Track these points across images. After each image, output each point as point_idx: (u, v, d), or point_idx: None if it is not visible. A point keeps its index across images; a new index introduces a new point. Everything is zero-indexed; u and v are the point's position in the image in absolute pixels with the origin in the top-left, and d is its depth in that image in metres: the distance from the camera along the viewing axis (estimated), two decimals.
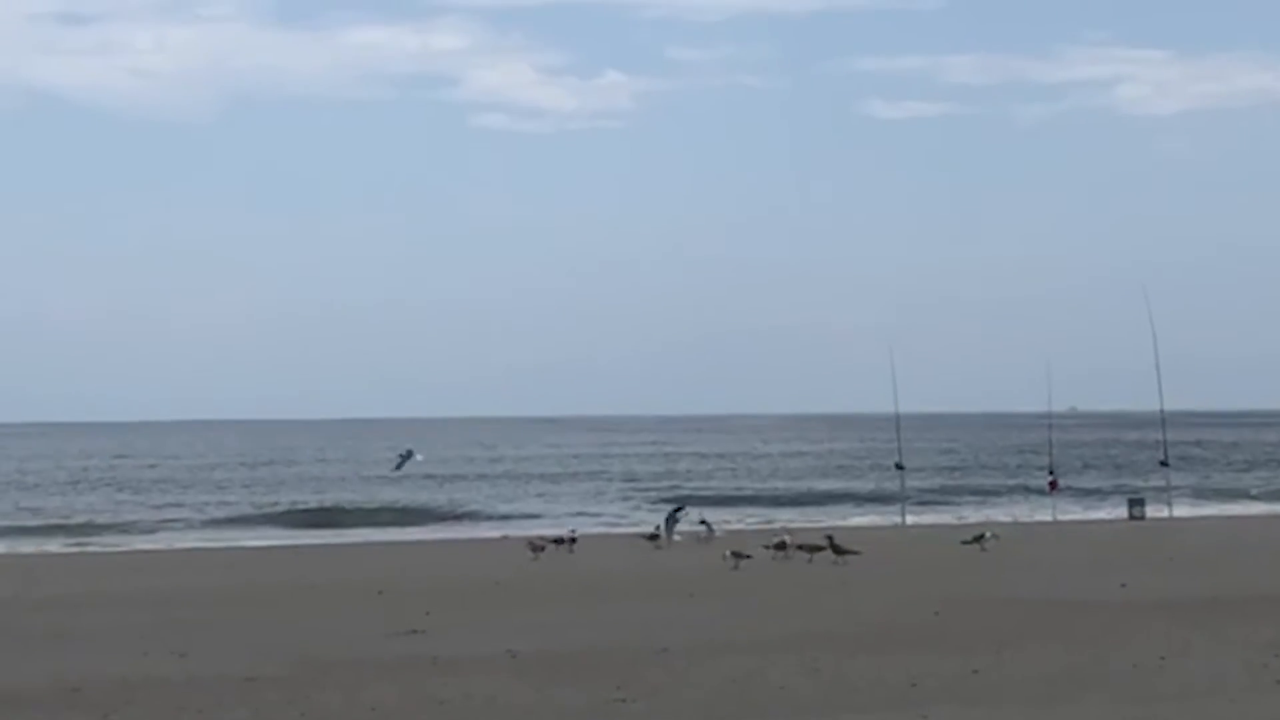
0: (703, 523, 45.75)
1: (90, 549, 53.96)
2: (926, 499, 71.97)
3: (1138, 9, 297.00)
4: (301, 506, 75.80)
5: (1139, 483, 78.08)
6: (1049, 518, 56.88)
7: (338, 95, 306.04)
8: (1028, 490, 76.56)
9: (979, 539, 40.21)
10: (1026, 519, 58.74)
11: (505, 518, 67.36)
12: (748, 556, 36.80)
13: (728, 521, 47.84)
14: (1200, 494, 74.96)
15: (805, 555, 37.61)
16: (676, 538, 43.36)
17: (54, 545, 55.60)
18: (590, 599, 30.32)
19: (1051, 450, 59.61)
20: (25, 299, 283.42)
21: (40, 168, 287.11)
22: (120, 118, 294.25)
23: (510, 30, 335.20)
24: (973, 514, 64.41)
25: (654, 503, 73.35)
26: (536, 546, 40.34)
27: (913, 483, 65.45)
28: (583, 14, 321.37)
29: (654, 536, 43.63)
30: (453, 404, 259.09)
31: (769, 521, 59.08)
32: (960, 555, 38.98)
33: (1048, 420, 58.82)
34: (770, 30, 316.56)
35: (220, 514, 71.73)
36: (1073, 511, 61.98)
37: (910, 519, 56.54)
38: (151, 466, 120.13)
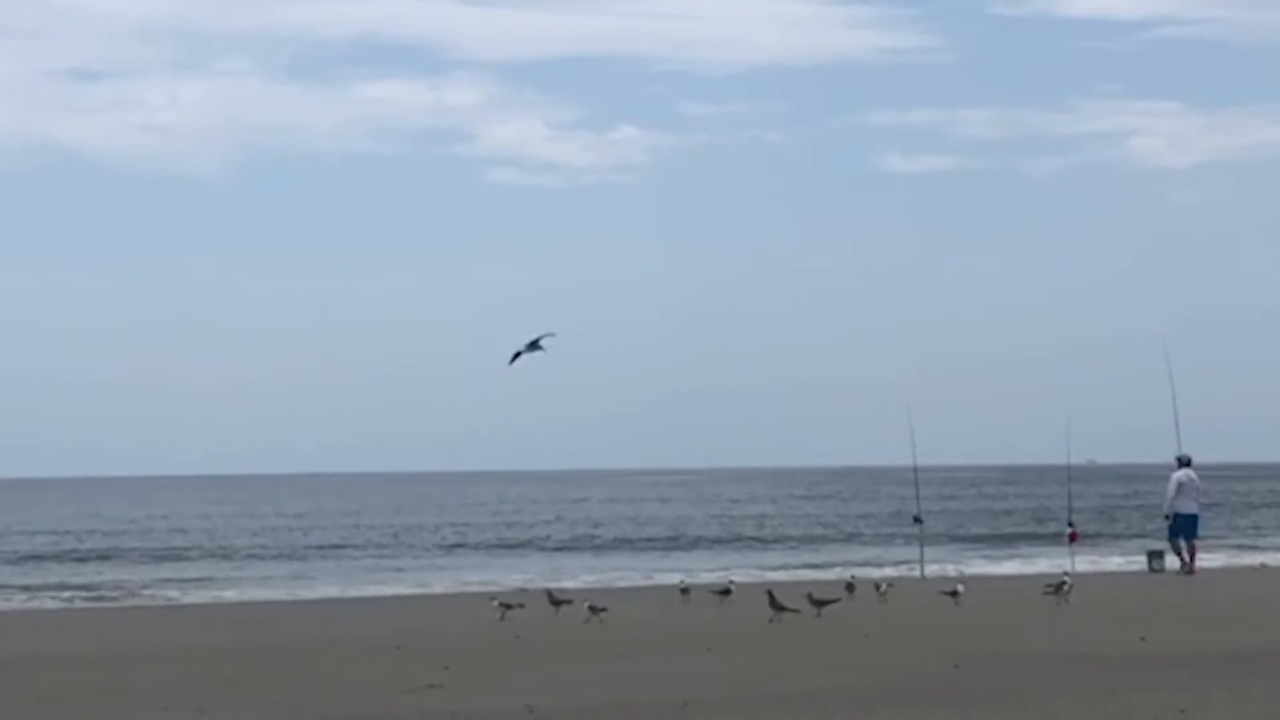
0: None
1: (107, 605, 53.91)
2: (944, 550, 71.76)
3: (1149, 62, 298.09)
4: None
5: (1158, 535, 77.76)
6: (1068, 569, 56.66)
7: (351, 150, 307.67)
8: (1046, 542, 76.30)
9: (1059, 588, 39.74)
10: (1045, 571, 58.51)
11: None
12: (795, 610, 35.24)
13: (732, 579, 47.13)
14: (1222, 546, 74.65)
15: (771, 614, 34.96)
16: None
17: (71, 601, 55.57)
18: (610, 652, 30.20)
19: (1070, 502, 59.47)
20: (39, 353, 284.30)
21: (54, 223, 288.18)
22: (133, 174, 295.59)
23: (523, 86, 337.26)
24: (994, 567, 64.36)
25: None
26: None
27: (931, 544, 65.28)
28: (595, 69, 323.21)
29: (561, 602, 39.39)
30: (460, 459, 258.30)
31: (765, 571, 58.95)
32: (980, 608, 38.84)
33: (1067, 472, 58.73)
34: (783, 84, 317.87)
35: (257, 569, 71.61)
36: (1092, 563, 61.80)
37: (930, 570, 56.38)
38: (166, 519, 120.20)
